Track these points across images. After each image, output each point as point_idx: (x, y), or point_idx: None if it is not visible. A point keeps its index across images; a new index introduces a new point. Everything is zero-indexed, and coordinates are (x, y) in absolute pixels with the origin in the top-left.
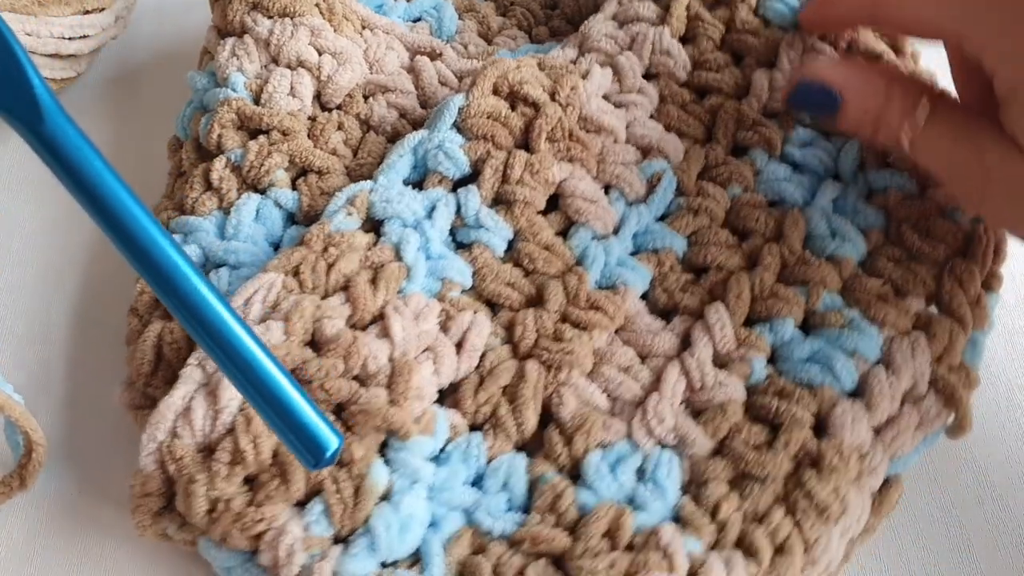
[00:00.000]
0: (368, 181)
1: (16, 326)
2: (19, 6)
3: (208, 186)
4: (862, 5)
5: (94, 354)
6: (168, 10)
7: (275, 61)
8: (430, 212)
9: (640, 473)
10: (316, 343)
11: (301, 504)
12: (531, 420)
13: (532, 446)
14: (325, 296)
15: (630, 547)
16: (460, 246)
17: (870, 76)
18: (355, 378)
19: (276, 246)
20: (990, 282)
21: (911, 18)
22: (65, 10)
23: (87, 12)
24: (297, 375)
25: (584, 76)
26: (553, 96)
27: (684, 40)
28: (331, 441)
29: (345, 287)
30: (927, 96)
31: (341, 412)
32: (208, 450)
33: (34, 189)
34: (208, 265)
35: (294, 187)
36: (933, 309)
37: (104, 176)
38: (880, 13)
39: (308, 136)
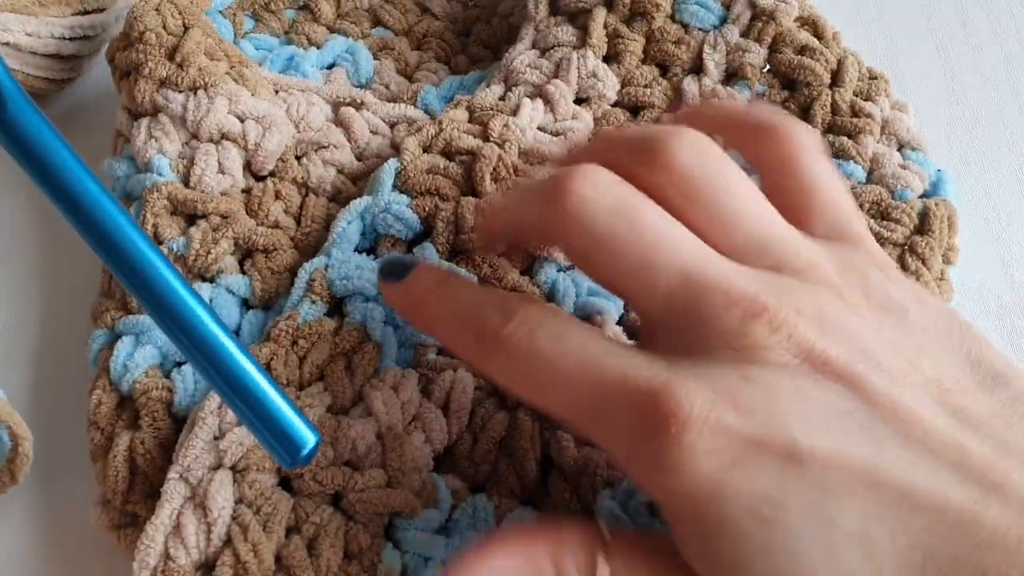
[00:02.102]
0: (323, 257)
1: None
2: (19, 6)
3: None
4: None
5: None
6: None
7: (196, 137)
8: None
9: (649, 508)
10: None
11: None
12: (532, 471)
13: (539, 496)
14: (301, 388)
15: None
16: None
17: (532, 556)
18: (347, 463)
19: (236, 333)
20: (948, 256)
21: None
22: (65, 10)
23: (87, 12)
24: (287, 476)
25: (514, 112)
26: (487, 138)
27: (607, 59)
28: (308, 438)
29: (320, 377)
30: (602, 551)
31: (339, 502)
32: (207, 567)
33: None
34: (168, 365)
35: (242, 270)
36: None
37: (69, 164)
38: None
39: (247, 212)
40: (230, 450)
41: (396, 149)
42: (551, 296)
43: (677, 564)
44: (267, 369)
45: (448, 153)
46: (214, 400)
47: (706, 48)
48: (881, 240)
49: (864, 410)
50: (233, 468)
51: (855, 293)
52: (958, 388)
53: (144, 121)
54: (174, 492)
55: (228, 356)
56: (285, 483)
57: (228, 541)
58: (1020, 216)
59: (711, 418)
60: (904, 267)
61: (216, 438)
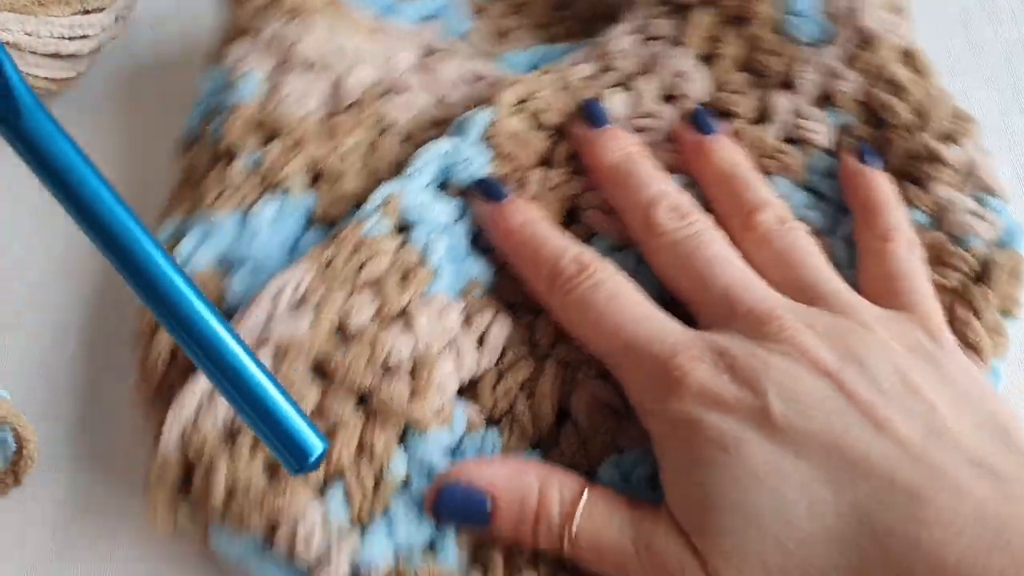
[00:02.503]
0: (400, 182)
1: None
2: (19, 6)
3: (225, 188)
4: None
5: (111, 346)
6: (168, 11)
7: (286, 62)
8: (458, 218)
9: (652, 482)
10: (342, 335)
11: (321, 489)
12: (548, 416)
13: (548, 445)
14: (352, 293)
15: None
16: (483, 250)
17: (523, 473)
18: (378, 369)
19: (293, 249)
20: (1008, 307)
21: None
22: (65, 10)
23: (87, 12)
24: (322, 365)
25: (602, 97)
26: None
27: (705, 60)
28: (315, 446)
29: (373, 286)
30: (590, 489)
31: (363, 402)
32: (230, 436)
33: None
34: (224, 265)
35: (310, 190)
36: None
37: (83, 172)
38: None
39: (322, 139)
40: (275, 335)
41: (475, 102)
42: None
43: (656, 517)
44: (324, 271)
45: (535, 119)
46: (269, 290)
47: (803, 65)
48: (936, 287)
49: (842, 402)
50: (275, 353)
51: (888, 336)
52: (952, 425)
53: (241, 41)
54: None
55: (238, 362)
56: (320, 372)
57: None
58: (1019, 215)
59: (707, 375)
60: (952, 315)
61: (266, 323)
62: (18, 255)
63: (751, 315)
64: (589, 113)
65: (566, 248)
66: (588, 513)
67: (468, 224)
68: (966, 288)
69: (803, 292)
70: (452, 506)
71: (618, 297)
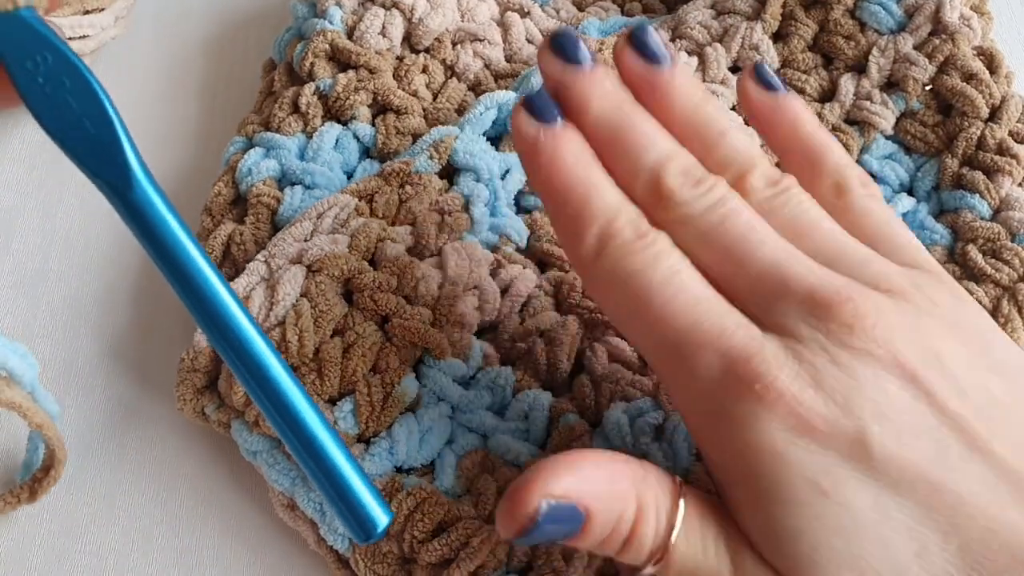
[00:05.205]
0: (454, 127)
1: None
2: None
3: (295, 109)
4: None
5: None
6: (168, 11)
7: (371, 0)
8: (504, 174)
9: (658, 432)
10: (375, 262)
11: (333, 401)
12: (563, 364)
13: (560, 389)
14: (392, 225)
15: None
16: (522, 210)
17: (617, 480)
18: (405, 297)
19: (349, 175)
20: None
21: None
22: (65, 10)
23: (87, 12)
24: (352, 282)
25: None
26: None
27: (776, 37)
28: (380, 519)
29: (412, 223)
30: (686, 497)
31: (385, 323)
32: None
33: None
34: (284, 182)
35: (373, 123)
36: None
37: (186, 249)
38: None
39: (393, 76)
40: (311, 251)
41: None
42: None
43: (741, 533)
44: (370, 201)
45: None
46: (315, 210)
47: (875, 51)
48: (984, 277)
49: (933, 415)
50: (309, 267)
51: (935, 312)
52: None
53: None
54: (254, 270)
55: (316, 438)
56: (347, 295)
57: (282, 322)
58: None
59: (792, 389)
60: (997, 310)
61: (305, 240)
62: (55, 267)
63: (813, 300)
64: (562, 47)
65: (624, 206)
66: (684, 536)
67: (513, 184)
68: (1015, 287)
69: (833, 261)
70: (545, 528)
71: (679, 276)
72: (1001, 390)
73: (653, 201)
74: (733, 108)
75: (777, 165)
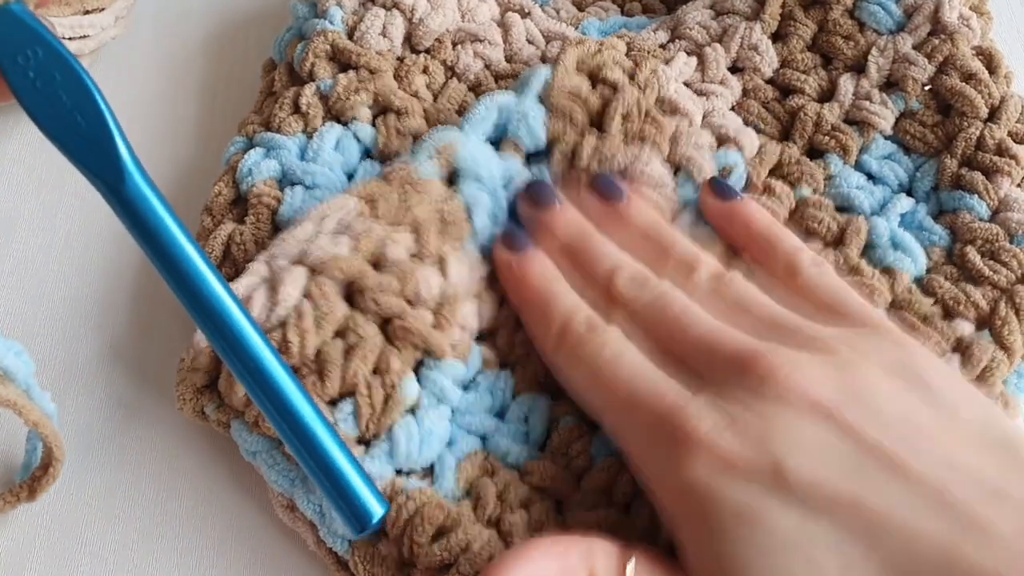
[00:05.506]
0: (456, 130)
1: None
2: None
3: (296, 109)
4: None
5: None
6: (168, 11)
7: (372, 0)
8: (507, 183)
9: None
10: (378, 264)
11: (334, 403)
12: None
13: (557, 393)
14: (394, 230)
15: (627, 506)
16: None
17: (567, 556)
18: (406, 299)
19: (350, 176)
20: None
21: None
22: (65, 10)
23: (87, 12)
24: (354, 284)
25: (667, 62)
26: (632, 78)
27: (775, 37)
28: (376, 510)
29: (414, 227)
30: (635, 557)
31: (386, 325)
32: None
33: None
34: (284, 182)
35: (374, 123)
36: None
37: (179, 243)
38: None
39: (394, 76)
40: (314, 253)
41: (545, 61)
42: None
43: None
44: (372, 204)
45: (594, 77)
46: (318, 212)
47: (874, 50)
48: (982, 279)
49: (848, 444)
50: (311, 268)
51: (865, 359)
52: (954, 444)
53: None
54: (256, 271)
55: (311, 429)
56: (348, 297)
57: (283, 323)
58: None
59: (712, 436)
60: (994, 313)
61: (308, 241)
62: (55, 267)
63: (735, 360)
64: (537, 193)
65: (579, 307)
66: None
67: (512, 190)
68: (1013, 289)
69: (770, 331)
70: None
71: (623, 356)
72: (929, 419)
73: (609, 300)
74: (732, 108)
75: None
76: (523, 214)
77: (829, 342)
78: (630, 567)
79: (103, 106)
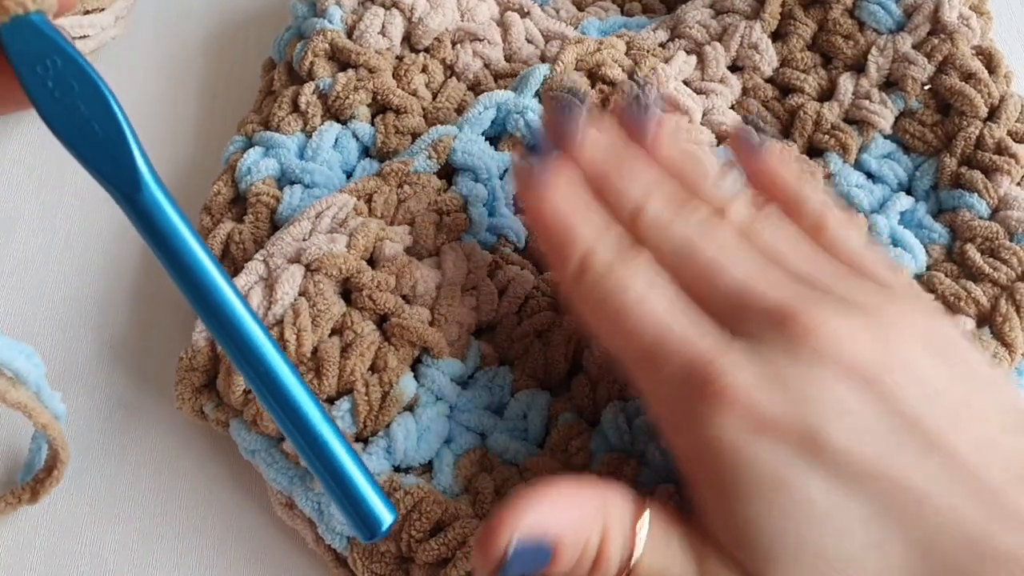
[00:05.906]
0: (452, 127)
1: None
2: None
3: (295, 108)
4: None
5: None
6: (168, 11)
7: None
8: (503, 174)
9: (654, 432)
10: (374, 261)
11: (331, 401)
12: (561, 363)
13: (558, 389)
14: (390, 225)
15: None
16: (520, 210)
17: (582, 504)
18: (403, 296)
19: (348, 174)
20: None
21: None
22: None
23: (87, 12)
24: (350, 281)
25: (667, 61)
26: (631, 76)
27: (775, 36)
28: (385, 518)
29: (411, 223)
30: (650, 511)
31: (383, 322)
32: None
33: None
34: (283, 181)
35: (373, 122)
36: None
37: (194, 253)
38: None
39: (393, 75)
40: (310, 251)
41: (544, 60)
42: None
43: (706, 535)
44: (369, 201)
45: (593, 75)
46: (313, 210)
47: (874, 50)
48: (982, 277)
49: (888, 416)
50: (307, 266)
51: (901, 324)
52: (990, 423)
53: None
54: (253, 269)
55: (322, 438)
56: (345, 294)
57: (280, 321)
58: None
59: (747, 389)
60: (995, 309)
61: (304, 239)
62: (55, 267)
63: (774, 313)
64: (563, 106)
65: (603, 233)
66: (650, 548)
67: (511, 182)
68: (1013, 286)
69: (804, 284)
70: (516, 564)
71: (652, 291)
72: (966, 395)
73: (638, 224)
74: (732, 107)
75: None
76: (547, 124)
77: (872, 299)
78: (643, 525)
79: (120, 116)
